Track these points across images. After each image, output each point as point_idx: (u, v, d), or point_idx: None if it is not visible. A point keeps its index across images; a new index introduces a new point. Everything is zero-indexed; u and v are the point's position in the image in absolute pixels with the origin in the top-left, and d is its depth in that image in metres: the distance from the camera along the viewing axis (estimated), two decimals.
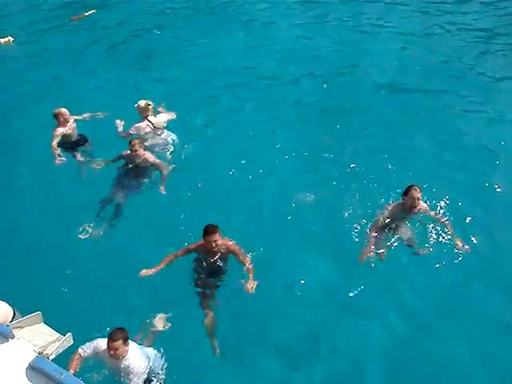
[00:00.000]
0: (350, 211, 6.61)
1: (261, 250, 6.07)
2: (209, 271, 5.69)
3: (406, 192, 5.90)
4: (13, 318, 2.62)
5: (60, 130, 7.83)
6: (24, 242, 6.74)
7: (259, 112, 8.95)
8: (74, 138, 8.11)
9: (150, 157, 7.10)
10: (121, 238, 6.74)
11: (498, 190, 7.10)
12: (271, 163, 7.71)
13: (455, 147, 8.03)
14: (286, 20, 12.40)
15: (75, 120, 8.19)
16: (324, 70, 10.21)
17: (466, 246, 5.97)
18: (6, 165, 8.16)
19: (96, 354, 4.64)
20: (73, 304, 5.74)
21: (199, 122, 8.68)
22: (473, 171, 7.52)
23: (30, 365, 2.35)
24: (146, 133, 7.60)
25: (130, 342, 4.50)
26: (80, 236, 6.62)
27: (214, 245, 5.43)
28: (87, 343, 4.72)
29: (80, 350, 4.62)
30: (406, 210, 5.98)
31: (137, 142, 6.97)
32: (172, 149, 7.76)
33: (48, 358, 2.43)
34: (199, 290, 5.73)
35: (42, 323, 2.74)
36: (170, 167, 7.27)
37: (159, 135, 7.69)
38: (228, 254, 5.64)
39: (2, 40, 12.57)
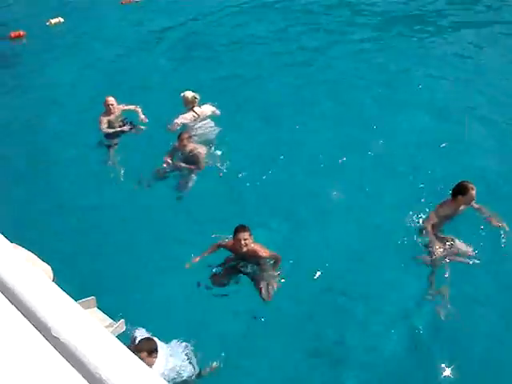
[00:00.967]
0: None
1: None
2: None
3: (462, 191, 5.55)
4: None
5: (104, 119, 8.06)
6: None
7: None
8: (116, 127, 8.12)
9: (196, 148, 7.37)
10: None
11: None
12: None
13: None
14: None
15: (124, 110, 8.30)
16: None
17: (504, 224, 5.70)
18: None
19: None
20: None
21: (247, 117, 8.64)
22: None
23: None
24: (191, 123, 7.84)
25: (159, 353, 4.34)
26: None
27: (243, 243, 5.35)
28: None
29: None
30: (457, 206, 5.64)
31: (185, 136, 7.30)
32: (214, 137, 7.96)
33: None
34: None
35: (96, 308, 2.92)
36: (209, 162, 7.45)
37: (203, 125, 7.91)
38: (260, 259, 5.66)
39: (53, 20, 12.89)
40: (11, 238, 2.34)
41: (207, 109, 7.85)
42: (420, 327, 5.14)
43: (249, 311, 5.43)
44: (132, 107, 8.29)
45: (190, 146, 7.38)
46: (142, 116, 8.14)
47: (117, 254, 6.32)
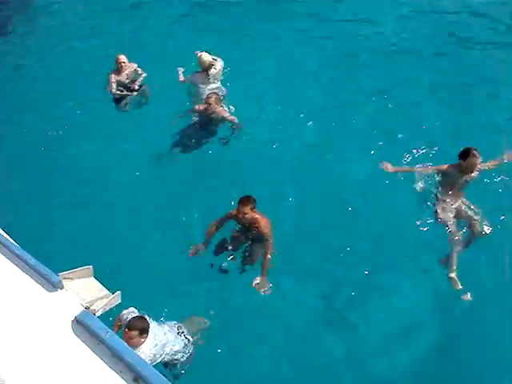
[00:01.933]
0: None
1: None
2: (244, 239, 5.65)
3: (464, 156, 5.50)
4: None
5: (113, 79, 7.95)
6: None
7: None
8: (126, 85, 8.11)
9: (224, 112, 7.10)
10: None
11: None
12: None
13: None
14: None
15: (135, 70, 8.18)
16: None
17: None
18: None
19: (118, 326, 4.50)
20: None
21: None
22: None
23: (75, 318, 2.26)
24: (202, 83, 7.66)
25: (150, 331, 4.22)
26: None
27: (241, 216, 5.34)
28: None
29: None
30: (462, 172, 5.64)
31: (213, 97, 6.97)
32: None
33: (94, 315, 2.35)
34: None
35: (92, 277, 2.68)
36: (242, 124, 7.17)
37: (213, 86, 7.74)
38: (259, 232, 5.48)
39: None
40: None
41: (219, 66, 7.67)
42: None
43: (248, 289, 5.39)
44: (140, 71, 8.22)
45: (219, 109, 7.02)
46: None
47: (121, 227, 6.21)
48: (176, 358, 4.55)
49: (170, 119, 7.35)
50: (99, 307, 2.40)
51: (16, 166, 7.22)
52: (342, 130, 7.38)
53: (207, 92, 7.41)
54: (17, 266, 2.55)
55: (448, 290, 5.42)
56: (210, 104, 6.95)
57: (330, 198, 6.44)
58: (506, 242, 5.64)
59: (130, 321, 4.13)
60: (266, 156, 7.07)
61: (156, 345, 4.23)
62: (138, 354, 4.10)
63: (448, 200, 5.76)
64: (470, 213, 5.75)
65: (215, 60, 7.73)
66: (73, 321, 2.27)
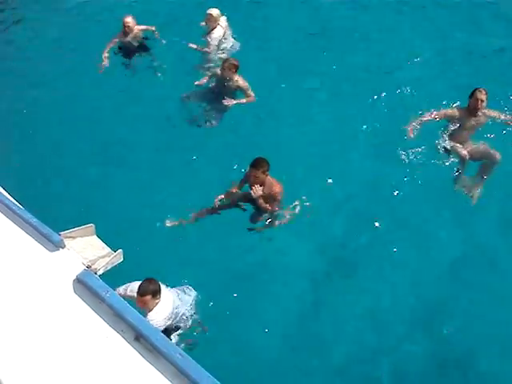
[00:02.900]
0: None
1: None
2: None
3: (471, 94, 5.88)
4: None
5: (116, 40, 7.78)
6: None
7: None
8: (133, 46, 7.92)
9: (241, 80, 6.77)
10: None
11: None
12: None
13: None
14: None
15: (142, 30, 7.95)
16: None
17: None
18: None
19: (128, 296, 4.42)
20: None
21: None
22: None
23: (76, 277, 2.23)
24: (223, 39, 7.50)
25: (162, 293, 4.20)
26: None
27: (252, 179, 5.17)
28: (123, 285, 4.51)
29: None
30: (471, 113, 5.93)
31: (228, 62, 6.63)
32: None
33: (95, 274, 2.31)
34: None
35: (95, 236, 2.63)
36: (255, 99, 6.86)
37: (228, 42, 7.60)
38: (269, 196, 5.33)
39: None
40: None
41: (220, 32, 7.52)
42: None
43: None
44: (149, 27, 8.01)
45: (236, 77, 6.74)
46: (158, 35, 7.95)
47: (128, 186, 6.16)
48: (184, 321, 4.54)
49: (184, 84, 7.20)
50: (101, 266, 2.35)
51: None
52: None
53: (216, 57, 7.28)
54: (18, 225, 2.52)
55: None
56: (224, 69, 6.64)
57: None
58: None
59: (140, 286, 4.07)
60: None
61: (168, 311, 4.21)
62: (150, 318, 4.12)
63: (458, 145, 5.95)
64: (481, 148, 5.94)
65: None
66: (74, 280, 2.23)
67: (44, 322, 2.08)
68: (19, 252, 2.39)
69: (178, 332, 4.51)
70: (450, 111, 6.05)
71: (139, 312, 2.12)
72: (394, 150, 6.21)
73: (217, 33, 7.46)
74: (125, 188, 6.13)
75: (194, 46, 7.54)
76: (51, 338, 2.01)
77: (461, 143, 5.95)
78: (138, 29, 7.88)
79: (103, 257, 2.43)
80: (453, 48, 7.90)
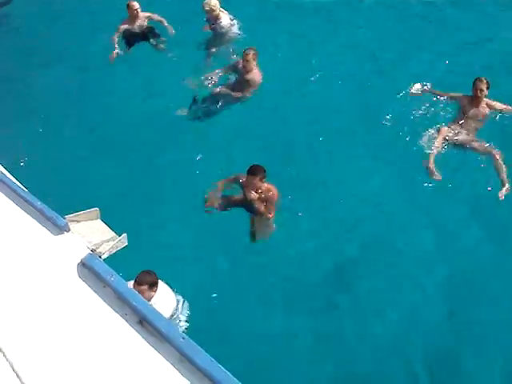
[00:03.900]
0: None
1: None
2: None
3: (473, 82, 6.02)
4: None
5: (123, 27, 7.70)
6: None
7: None
8: (139, 34, 7.84)
9: (258, 73, 6.59)
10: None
11: None
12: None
13: None
14: None
15: (148, 18, 7.86)
16: None
17: None
18: None
19: None
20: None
21: None
22: None
23: (81, 261, 2.23)
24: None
25: (159, 285, 4.19)
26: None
27: (251, 187, 5.13)
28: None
29: None
30: (473, 102, 6.06)
31: (251, 52, 6.43)
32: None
33: (100, 257, 2.31)
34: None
35: (99, 220, 2.63)
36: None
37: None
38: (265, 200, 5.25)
39: None
40: None
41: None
42: None
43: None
44: (157, 17, 7.87)
45: (254, 69, 6.57)
46: (168, 25, 7.77)
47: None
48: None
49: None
50: (105, 250, 2.35)
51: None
52: None
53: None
54: (23, 208, 2.52)
55: None
56: (247, 61, 6.39)
57: None
58: None
59: (138, 276, 4.07)
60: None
61: (165, 304, 4.20)
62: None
63: (453, 127, 6.09)
64: (476, 144, 5.98)
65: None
66: (78, 264, 2.24)
67: (48, 306, 2.09)
68: (24, 235, 2.40)
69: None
70: (455, 94, 6.37)
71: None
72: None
73: (224, 20, 7.41)
74: (132, 176, 6.14)
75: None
76: (55, 322, 2.03)
77: (466, 133, 6.04)
78: (143, 15, 7.80)
79: (108, 241, 2.42)
80: None
